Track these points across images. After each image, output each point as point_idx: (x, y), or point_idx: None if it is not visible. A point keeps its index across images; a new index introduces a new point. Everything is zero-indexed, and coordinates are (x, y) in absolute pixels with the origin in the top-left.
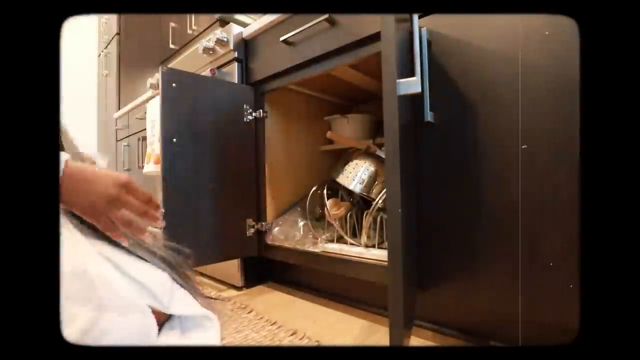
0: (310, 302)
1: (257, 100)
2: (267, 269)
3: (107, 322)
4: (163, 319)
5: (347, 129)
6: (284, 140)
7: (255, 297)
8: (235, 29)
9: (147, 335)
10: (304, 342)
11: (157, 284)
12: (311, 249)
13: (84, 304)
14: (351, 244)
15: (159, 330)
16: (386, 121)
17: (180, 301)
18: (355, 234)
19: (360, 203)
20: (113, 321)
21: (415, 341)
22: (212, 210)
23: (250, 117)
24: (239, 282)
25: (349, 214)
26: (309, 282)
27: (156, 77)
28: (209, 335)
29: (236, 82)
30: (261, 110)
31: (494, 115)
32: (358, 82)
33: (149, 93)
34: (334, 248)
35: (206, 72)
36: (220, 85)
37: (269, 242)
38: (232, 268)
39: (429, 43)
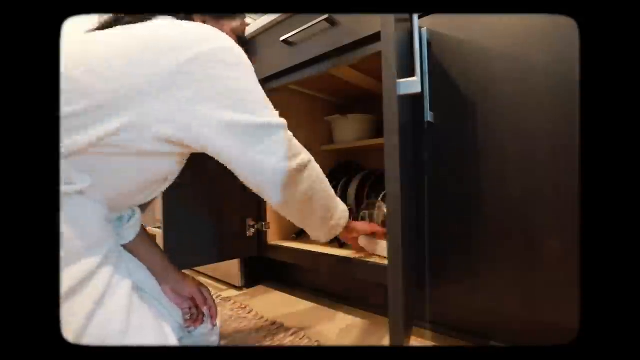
0: (310, 302)
1: None
2: (267, 269)
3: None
4: None
5: (347, 129)
6: None
7: (255, 297)
8: None
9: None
10: (304, 342)
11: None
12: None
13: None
14: None
15: None
16: (386, 121)
17: None
18: None
19: None
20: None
21: (415, 341)
22: (212, 210)
23: None
24: (239, 282)
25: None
26: (309, 282)
27: None
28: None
29: None
30: None
31: (494, 115)
32: (358, 82)
33: None
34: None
35: None
36: None
37: (269, 242)
38: (232, 268)
39: (429, 43)
